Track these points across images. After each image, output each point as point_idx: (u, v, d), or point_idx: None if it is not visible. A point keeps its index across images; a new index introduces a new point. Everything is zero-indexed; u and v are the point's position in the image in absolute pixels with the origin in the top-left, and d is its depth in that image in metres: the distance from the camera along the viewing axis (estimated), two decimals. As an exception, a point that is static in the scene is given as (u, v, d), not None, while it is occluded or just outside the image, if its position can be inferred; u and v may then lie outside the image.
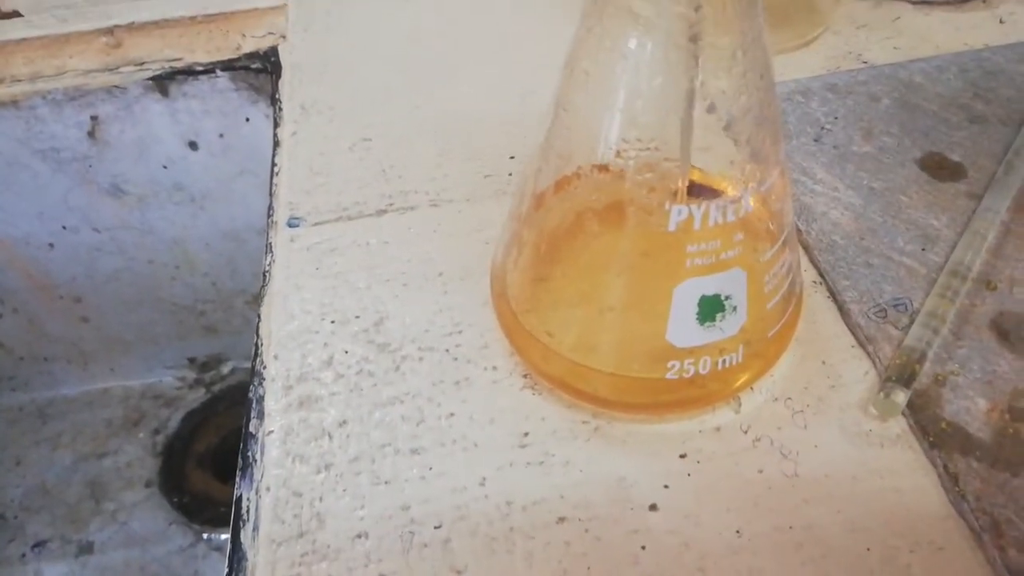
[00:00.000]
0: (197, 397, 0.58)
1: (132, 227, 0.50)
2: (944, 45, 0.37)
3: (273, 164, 0.36)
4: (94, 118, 0.44)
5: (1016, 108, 0.33)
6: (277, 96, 0.40)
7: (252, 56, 0.43)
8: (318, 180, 0.33)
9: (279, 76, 0.41)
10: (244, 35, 0.43)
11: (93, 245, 0.50)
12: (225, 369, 0.59)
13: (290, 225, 0.32)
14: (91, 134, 0.45)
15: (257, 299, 0.57)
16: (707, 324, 0.21)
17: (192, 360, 0.59)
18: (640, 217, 0.21)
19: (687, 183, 0.21)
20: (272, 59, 0.42)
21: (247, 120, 0.46)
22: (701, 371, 0.22)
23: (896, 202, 0.30)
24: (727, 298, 0.21)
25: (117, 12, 0.43)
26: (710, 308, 0.21)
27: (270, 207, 0.34)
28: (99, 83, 0.43)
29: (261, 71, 0.44)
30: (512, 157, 0.34)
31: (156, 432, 0.56)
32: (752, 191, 0.20)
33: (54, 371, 0.58)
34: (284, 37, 0.43)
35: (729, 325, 0.21)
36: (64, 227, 0.49)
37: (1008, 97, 0.34)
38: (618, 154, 0.21)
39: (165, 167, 0.47)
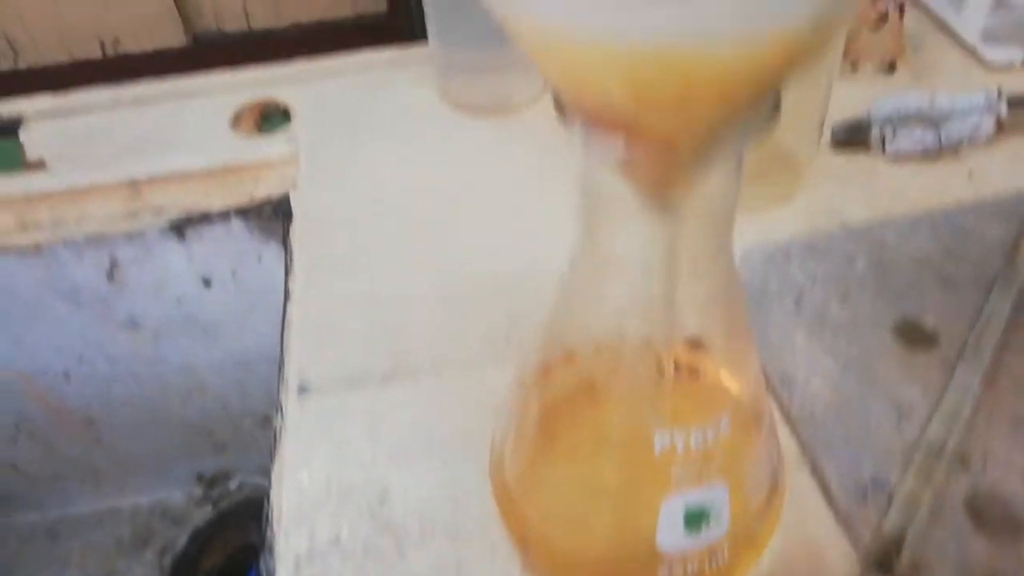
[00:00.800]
0: (204, 514, 0.59)
1: (146, 357, 0.52)
2: (917, 201, 0.39)
3: (283, 320, 0.38)
4: (113, 261, 0.47)
5: (985, 270, 0.35)
6: (289, 245, 0.42)
7: (265, 203, 0.45)
8: (327, 342, 0.35)
9: (290, 222, 0.43)
10: (257, 183, 0.46)
11: (108, 375, 0.52)
12: (232, 484, 0.60)
13: (300, 391, 0.33)
14: (110, 276, 0.47)
15: (265, 422, 0.58)
16: (693, 531, 0.23)
17: (200, 476, 0.60)
18: (626, 433, 0.23)
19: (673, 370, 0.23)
20: (284, 206, 0.45)
21: (259, 259, 0.48)
22: (691, 573, 0.23)
23: (872, 372, 0.32)
24: (711, 507, 0.23)
25: (139, 164, 0.45)
26: (695, 518, 0.22)
27: (281, 362, 0.36)
28: (119, 229, 0.45)
29: (273, 216, 0.46)
30: (511, 321, 0.36)
31: (164, 552, 0.57)
32: (730, 412, 0.22)
33: (66, 489, 0.59)
34: (295, 185, 0.45)
35: (715, 530, 0.23)
36: (81, 359, 0.51)
37: (977, 257, 0.36)
38: (606, 353, 0.23)
39: (179, 302, 0.49)
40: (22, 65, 1.60)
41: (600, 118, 0.16)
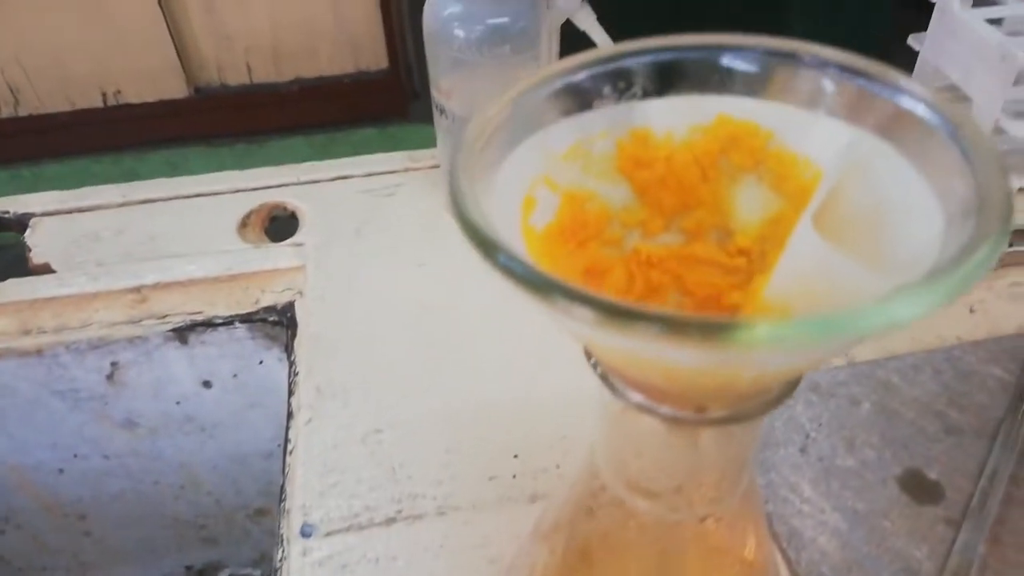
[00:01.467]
0: (193, 607, 0.58)
1: (141, 454, 0.51)
2: (919, 336, 0.40)
3: (286, 444, 0.37)
4: (114, 364, 0.46)
5: (989, 416, 0.36)
6: (293, 360, 0.42)
7: (269, 310, 0.45)
8: (330, 479, 0.35)
9: (295, 332, 0.43)
10: (263, 291, 0.46)
11: (102, 470, 0.51)
12: (222, 577, 0.59)
13: (303, 534, 0.33)
14: (110, 377, 0.47)
15: (258, 515, 0.57)
16: None
17: (189, 568, 0.59)
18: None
19: None
20: (288, 314, 0.45)
21: (260, 362, 0.48)
22: None
23: (880, 528, 0.32)
24: None
25: (145, 271, 0.45)
26: None
27: (283, 491, 0.36)
28: (122, 334, 0.45)
29: (277, 323, 0.46)
30: (516, 456, 0.35)
31: (150, 649, 0.56)
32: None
33: (51, 580, 0.58)
34: (301, 293, 0.45)
35: None
36: (75, 455, 0.50)
37: (981, 404, 0.36)
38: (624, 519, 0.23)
39: (178, 403, 0.49)
40: (23, 112, 1.61)
41: (632, 382, 0.16)
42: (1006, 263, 0.43)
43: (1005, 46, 0.44)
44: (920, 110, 0.16)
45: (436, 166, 0.51)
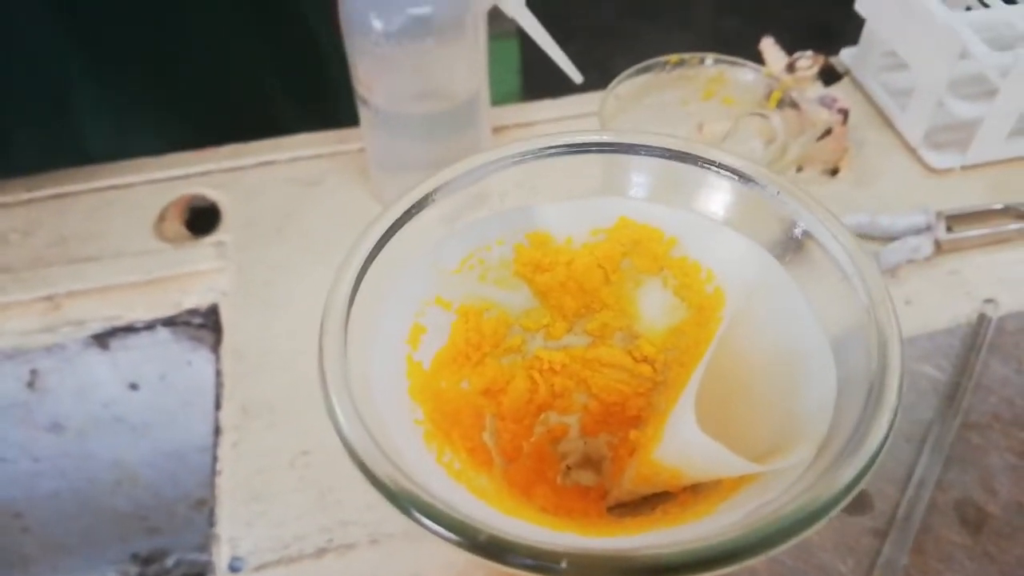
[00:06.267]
0: (141, 594, 0.58)
1: (72, 455, 0.50)
2: (854, 331, 0.40)
3: (214, 466, 0.36)
4: (33, 371, 0.44)
5: (918, 419, 0.36)
6: (220, 369, 0.40)
7: (193, 312, 0.44)
8: (258, 508, 0.34)
9: (221, 336, 0.42)
10: (184, 292, 0.44)
11: (32, 472, 0.50)
12: (169, 562, 0.59)
13: (232, 569, 0.32)
14: (30, 384, 0.45)
15: (199, 504, 0.57)
16: None
17: (135, 556, 0.59)
18: None
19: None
20: (213, 317, 0.43)
21: (189, 363, 0.46)
22: None
23: (806, 541, 0.32)
24: None
25: (56, 278, 0.43)
26: None
27: (212, 517, 0.35)
28: (38, 343, 0.43)
29: (202, 326, 0.44)
30: (448, 474, 0.35)
31: (99, 639, 0.55)
32: None
33: (-8, 575, 0.57)
34: (225, 293, 0.43)
35: None
36: (3, 459, 0.49)
37: (910, 405, 0.36)
38: None
39: (106, 405, 0.47)
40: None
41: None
42: (945, 249, 0.43)
43: (950, 21, 0.42)
44: (832, 247, 0.15)
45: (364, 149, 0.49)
